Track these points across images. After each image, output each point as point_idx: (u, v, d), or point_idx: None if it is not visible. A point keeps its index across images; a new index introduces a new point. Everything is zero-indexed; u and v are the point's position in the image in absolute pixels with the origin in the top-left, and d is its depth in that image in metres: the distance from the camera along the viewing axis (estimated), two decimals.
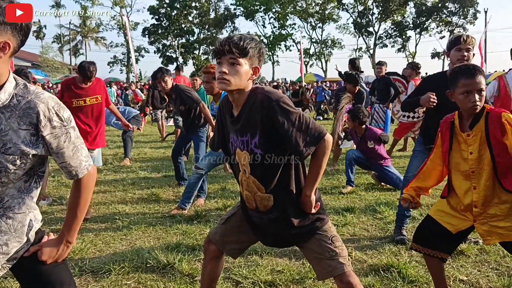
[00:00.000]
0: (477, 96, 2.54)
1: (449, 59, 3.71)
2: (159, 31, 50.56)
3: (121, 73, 52.91)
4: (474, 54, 3.76)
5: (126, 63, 51.30)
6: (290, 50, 50.53)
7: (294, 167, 2.19)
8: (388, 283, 3.24)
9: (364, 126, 6.18)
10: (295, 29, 50.22)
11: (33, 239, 1.80)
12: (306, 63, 45.01)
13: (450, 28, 46.01)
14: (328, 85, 25.09)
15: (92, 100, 5.09)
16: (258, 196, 2.18)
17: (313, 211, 2.20)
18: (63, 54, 54.72)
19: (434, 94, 3.60)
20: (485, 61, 33.76)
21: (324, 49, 49.68)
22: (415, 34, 47.44)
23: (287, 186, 2.18)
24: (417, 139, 4.09)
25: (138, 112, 9.92)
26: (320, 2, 48.25)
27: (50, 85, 24.86)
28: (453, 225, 2.73)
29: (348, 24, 49.79)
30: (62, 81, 5.20)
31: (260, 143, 2.08)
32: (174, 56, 51.66)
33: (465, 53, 3.65)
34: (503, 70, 14.56)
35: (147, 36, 50.81)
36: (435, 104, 3.61)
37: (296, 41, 47.95)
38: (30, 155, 1.63)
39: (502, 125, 2.51)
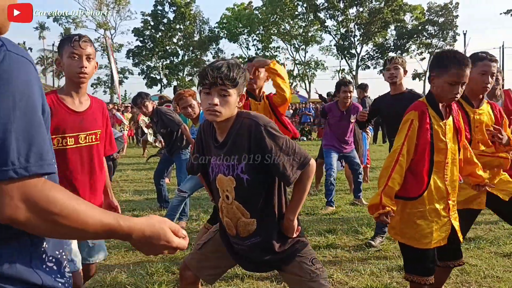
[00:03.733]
0: (460, 89, 2.50)
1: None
2: (144, 53, 50.65)
3: (104, 94, 52.76)
4: (406, 71, 4.41)
5: (110, 85, 51.15)
6: None
7: (277, 191, 2.20)
8: None
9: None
10: (279, 51, 50.81)
11: None
12: (290, 84, 45.37)
13: (430, 50, 46.94)
14: (312, 106, 25.29)
15: (91, 138, 2.65)
16: (242, 221, 2.17)
17: (294, 235, 2.21)
18: (46, 76, 54.46)
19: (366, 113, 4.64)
20: None
21: (308, 70, 50.24)
22: (397, 55, 48.33)
23: (270, 211, 2.19)
24: None
25: (121, 134, 9.87)
26: (303, 24, 48.98)
27: None
28: (443, 237, 2.62)
29: (331, 46, 50.31)
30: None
31: (247, 168, 2.09)
32: (158, 77, 51.70)
33: (393, 71, 4.31)
34: None
35: (131, 58, 50.87)
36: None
37: (280, 63, 48.36)
38: None
39: (459, 116, 2.71)
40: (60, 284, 1.12)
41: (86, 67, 2.50)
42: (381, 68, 48.03)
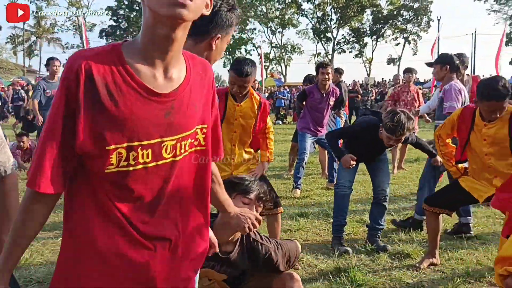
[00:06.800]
0: (498, 114, 3.20)
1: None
2: (118, 33, 49.67)
3: None
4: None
5: None
6: (251, 55, 49.97)
7: None
8: (337, 287, 3.31)
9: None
10: (255, 33, 50.53)
11: None
12: (266, 67, 45.21)
13: (405, 35, 47.40)
14: (287, 90, 25.32)
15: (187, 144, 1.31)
16: None
17: None
18: (17, 55, 52.94)
19: (355, 159, 3.93)
20: None
21: (284, 54, 50.17)
22: (372, 40, 48.55)
23: None
24: None
25: None
26: (280, 7, 48.72)
27: (3, 86, 23.76)
28: (480, 194, 3.39)
29: (307, 29, 50.27)
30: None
31: None
32: None
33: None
34: None
35: (104, 37, 49.81)
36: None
37: (256, 46, 48.19)
38: None
39: None
40: None
41: None
42: (357, 52, 48.47)
